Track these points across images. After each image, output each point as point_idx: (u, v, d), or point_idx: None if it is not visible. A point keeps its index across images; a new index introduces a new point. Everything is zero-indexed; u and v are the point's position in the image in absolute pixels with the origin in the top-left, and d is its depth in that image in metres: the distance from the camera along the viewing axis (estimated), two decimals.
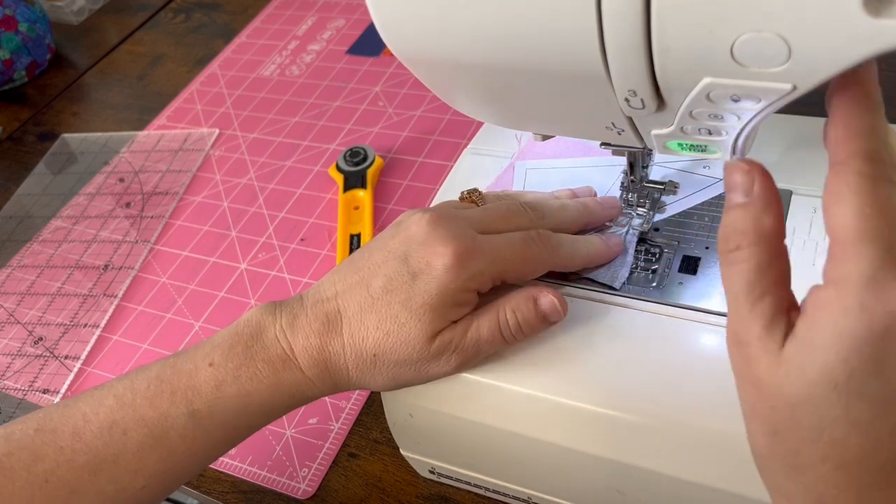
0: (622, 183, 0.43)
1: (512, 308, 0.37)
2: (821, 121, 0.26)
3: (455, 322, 0.37)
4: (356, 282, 0.38)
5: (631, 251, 0.42)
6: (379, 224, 0.65)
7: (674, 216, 0.43)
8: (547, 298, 0.37)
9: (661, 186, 0.43)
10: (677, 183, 0.44)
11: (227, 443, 0.38)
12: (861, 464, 0.24)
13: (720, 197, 0.43)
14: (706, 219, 0.42)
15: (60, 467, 0.34)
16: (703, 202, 0.43)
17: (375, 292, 0.37)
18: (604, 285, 0.40)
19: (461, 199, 0.42)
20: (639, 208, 0.43)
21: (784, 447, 0.26)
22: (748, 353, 0.26)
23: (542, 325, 0.38)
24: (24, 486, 0.34)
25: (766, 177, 0.27)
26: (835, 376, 0.24)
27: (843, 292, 0.23)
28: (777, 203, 0.27)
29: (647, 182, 0.43)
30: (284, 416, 0.54)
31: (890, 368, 0.23)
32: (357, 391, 0.54)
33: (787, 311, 0.26)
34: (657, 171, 0.45)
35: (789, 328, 0.25)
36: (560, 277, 0.41)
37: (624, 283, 0.40)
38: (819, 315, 0.24)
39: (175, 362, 0.38)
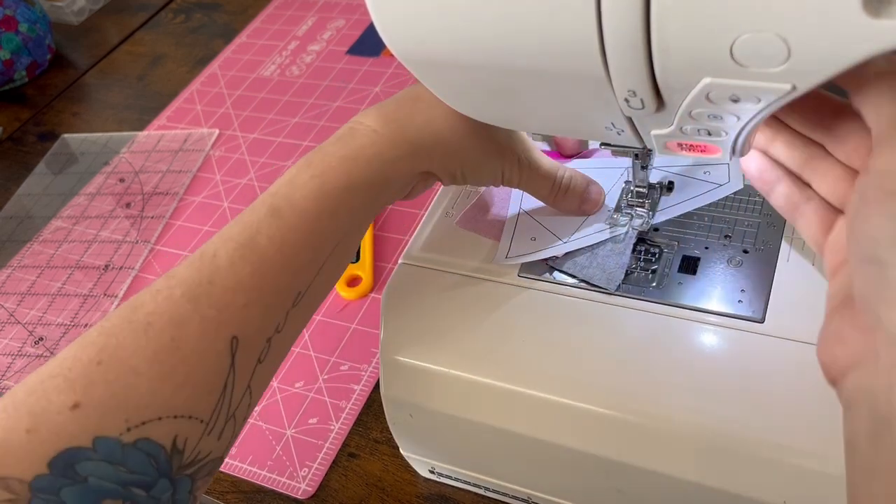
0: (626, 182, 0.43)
1: (570, 173, 0.43)
2: None
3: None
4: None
5: (628, 252, 0.42)
6: (379, 224, 0.65)
7: (674, 217, 0.43)
8: (596, 187, 0.44)
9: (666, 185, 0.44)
10: (673, 182, 0.44)
11: (313, 237, 0.35)
12: None
13: (719, 199, 0.43)
14: (706, 219, 0.42)
15: (159, 306, 0.32)
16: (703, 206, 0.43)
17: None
18: (599, 287, 0.40)
19: None
20: (638, 209, 0.43)
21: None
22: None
23: (580, 198, 0.43)
24: (127, 335, 0.32)
25: None
26: None
27: None
28: None
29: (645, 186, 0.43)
30: (284, 417, 0.54)
31: None
32: (357, 392, 0.54)
33: None
34: (657, 173, 0.45)
35: None
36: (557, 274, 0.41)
37: (619, 285, 0.40)
38: None
39: None
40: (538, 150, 0.43)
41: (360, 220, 0.37)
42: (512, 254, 0.43)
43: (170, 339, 0.32)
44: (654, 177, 0.45)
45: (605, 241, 0.43)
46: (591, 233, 0.43)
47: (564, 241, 0.43)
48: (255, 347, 0.34)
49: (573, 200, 0.44)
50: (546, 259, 0.42)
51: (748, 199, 0.42)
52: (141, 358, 0.31)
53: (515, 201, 0.46)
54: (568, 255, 0.42)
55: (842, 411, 0.28)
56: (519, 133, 0.42)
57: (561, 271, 0.42)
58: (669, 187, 0.44)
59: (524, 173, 0.42)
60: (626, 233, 0.42)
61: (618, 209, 0.44)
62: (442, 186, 0.51)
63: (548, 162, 0.43)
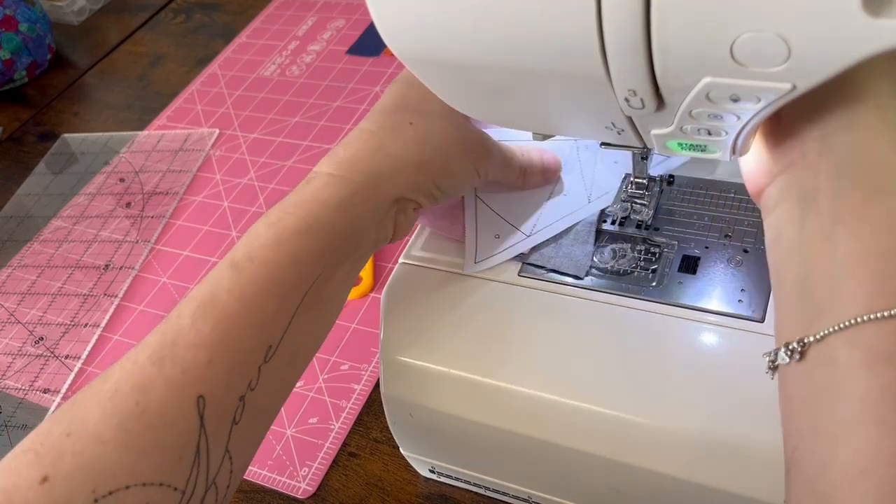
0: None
1: (525, 148, 0.44)
2: None
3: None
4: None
5: (592, 239, 0.42)
6: None
7: (674, 216, 0.43)
8: (549, 153, 0.45)
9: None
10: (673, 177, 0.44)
11: (275, 287, 0.34)
12: None
13: (719, 196, 0.43)
14: (706, 218, 0.42)
15: (125, 372, 0.32)
16: (703, 203, 0.43)
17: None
18: (569, 274, 0.42)
19: None
20: (638, 200, 0.43)
21: None
22: None
23: (543, 169, 0.44)
24: (94, 405, 0.31)
25: None
26: None
27: None
28: None
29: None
30: (285, 416, 0.54)
31: None
32: (357, 392, 0.54)
33: None
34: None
35: None
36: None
37: (588, 271, 0.41)
38: None
39: None
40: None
41: (330, 265, 0.36)
42: (480, 257, 0.43)
43: (134, 405, 0.31)
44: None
45: (570, 230, 0.43)
46: (553, 221, 0.44)
47: (528, 234, 0.43)
48: (227, 407, 0.33)
49: (538, 174, 0.45)
50: (513, 256, 0.43)
51: (748, 198, 0.42)
52: (106, 426, 0.31)
53: (470, 192, 0.46)
54: (533, 249, 0.43)
55: (763, 218, 0.32)
56: (477, 128, 0.41)
57: (529, 264, 0.42)
58: (670, 181, 0.44)
59: (498, 165, 0.42)
60: (587, 219, 0.43)
61: (618, 201, 0.44)
62: None
63: (506, 146, 0.43)
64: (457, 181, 0.40)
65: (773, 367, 0.29)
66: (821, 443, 0.26)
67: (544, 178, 0.45)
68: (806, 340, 0.27)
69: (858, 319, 0.25)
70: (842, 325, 0.26)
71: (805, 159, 0.29)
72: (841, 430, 0.25)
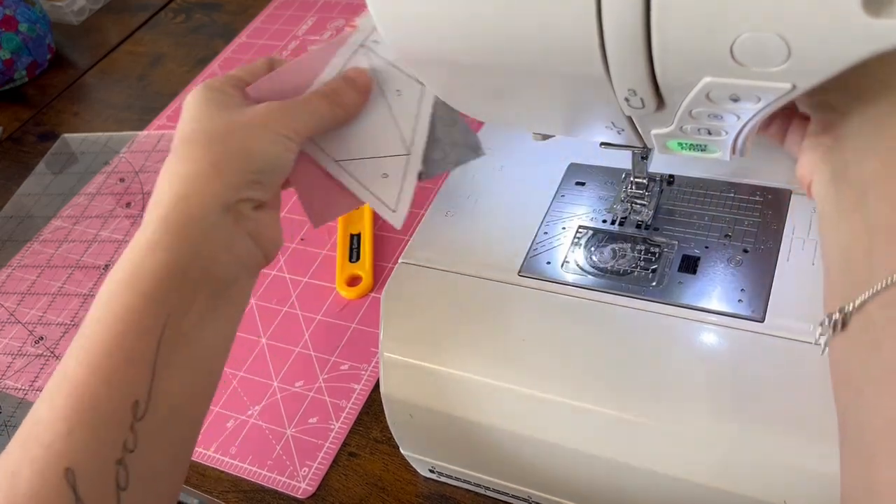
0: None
1: (323, 83, 0.42)
2: None
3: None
4: None
5: (455, 115, 0.42)
6: (379, 223, 0.66)
7: (674, 216, 0.43)
8: (351, 70, 0.42)
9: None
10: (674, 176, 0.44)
11: (117, 340, 0.33)
12: None
13: (719, 196, 0.43)
14: (706, 218, 0.42)
15: (0, 463, 0.33)
16: (703, 203, 0.43)
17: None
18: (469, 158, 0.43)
19: None
20: (638, 200, 0.43)
21: None
22: None
23: (351, 86, 0.42)
24: None
25: None
26: None
27: None
28: None
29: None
30: (285, 416, 0.54)
31: None
32: (357, 391, 0.54)
33: None
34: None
35: None
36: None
37: (482, 147, 0.43)
38: None
39: None
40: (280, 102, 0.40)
41: (177, 303, 0.35)
42: (391, 203, 0.43)
43: (5, 491, 0.31)
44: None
45: (434, 122, 0.43)
46: (414, 123, 0.43)
47: (407, 152, 0.43)
48: (103, 473, 0.32)
49: (352, 93, 0.42)
50: (419, 179, 0.43)
51: (748, 198, 0.43)
52: None
53: (324, 160, 0.43)
54: (424, 161, 0.43)
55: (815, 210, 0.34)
56: (257, 102, 0.40)
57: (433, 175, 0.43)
58: (670, 181, 0.44)
59: (305, 116, 0.40)
60: (437, 101, 0.43)
61: (618, 201, 0.44)
62: (442, 185, 0.51)
63: (303, 95, 0.41)
64: (272, 157, 0.38)
65: (824, 344, 0.30)
66: (863, 402, 0.27)
67: (361, 94, 0.42)
68: (846, 310, 0.28)
69: (890, 280, 0.27)
70: (876, 290, 0.27)
71: (834, 142, 0.31)
72: (879, 385, 0.26)
